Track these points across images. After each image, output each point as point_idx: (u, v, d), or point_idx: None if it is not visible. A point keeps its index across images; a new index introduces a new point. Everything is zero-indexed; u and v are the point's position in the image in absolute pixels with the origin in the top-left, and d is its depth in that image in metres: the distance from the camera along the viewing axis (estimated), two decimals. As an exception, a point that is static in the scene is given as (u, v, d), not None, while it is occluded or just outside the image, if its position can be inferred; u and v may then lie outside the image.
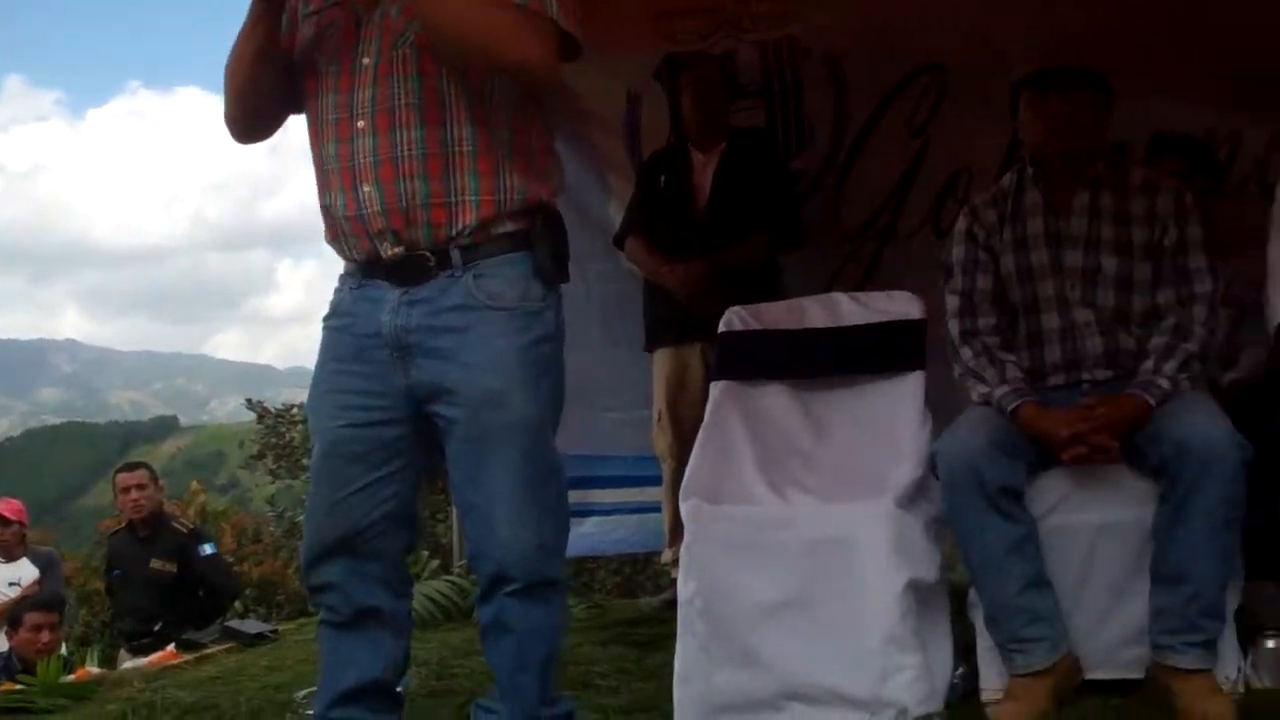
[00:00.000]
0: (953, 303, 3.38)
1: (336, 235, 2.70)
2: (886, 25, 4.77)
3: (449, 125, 2.59)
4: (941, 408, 3.45)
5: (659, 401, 4.80)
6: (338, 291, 2.76)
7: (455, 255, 2.61)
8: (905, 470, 3.26)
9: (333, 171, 2.65)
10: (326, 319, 2.76)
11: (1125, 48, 4.15)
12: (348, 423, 2.67)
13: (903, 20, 4.76)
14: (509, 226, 2.63)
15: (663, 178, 4.82)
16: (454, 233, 2.60)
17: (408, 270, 2.63)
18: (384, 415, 2.67)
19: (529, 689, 2.67)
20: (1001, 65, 3.49)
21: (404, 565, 2.81)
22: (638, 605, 5.68)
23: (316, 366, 2.77)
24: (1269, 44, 4.32)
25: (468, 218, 2.59)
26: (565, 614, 2.82)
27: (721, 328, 3.73)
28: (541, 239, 2.65)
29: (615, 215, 5.07)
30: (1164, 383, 3.10)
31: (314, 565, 2.73)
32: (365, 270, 2.68)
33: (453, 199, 2.59)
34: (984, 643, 3.21)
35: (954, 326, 3.36)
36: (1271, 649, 3.11)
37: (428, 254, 2.61)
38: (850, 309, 3.67)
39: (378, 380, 2.66)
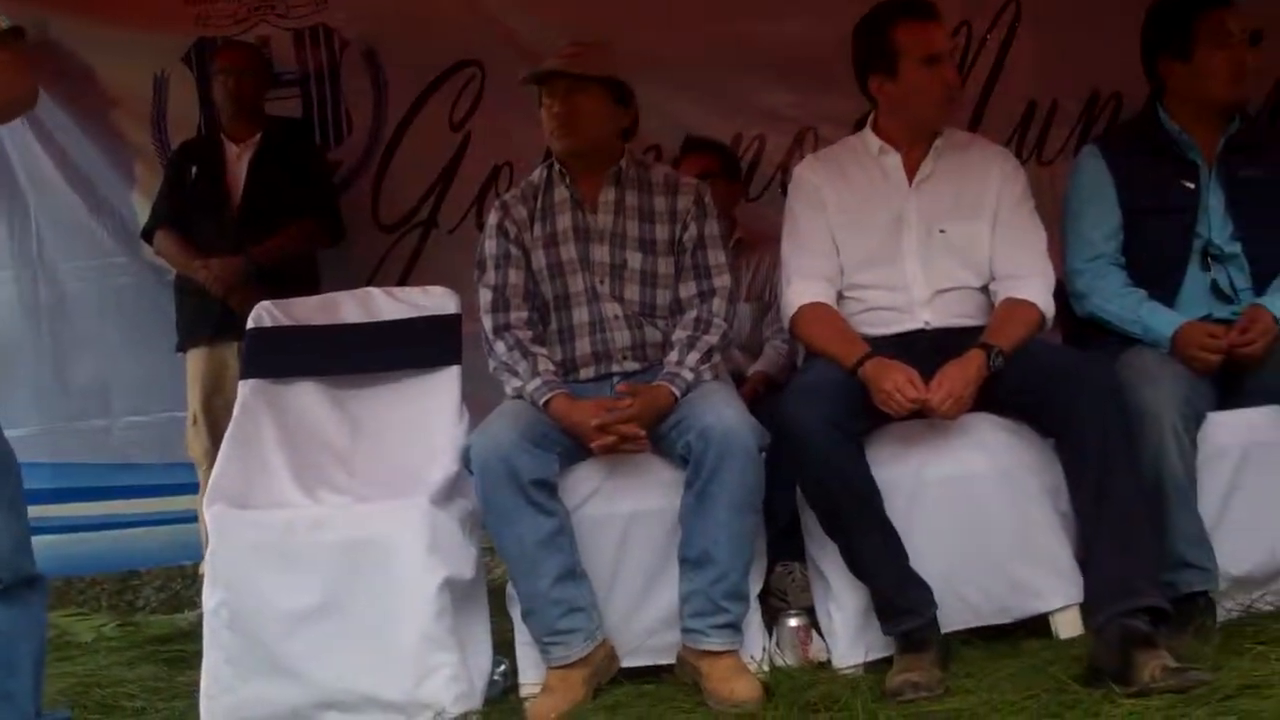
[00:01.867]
0: (486, 297, 3.38)
1: None
2: (423, 18, 4.71)
3: None
4: (478, 402, 3.44)
5: (193, 404, 4.58)
6: None
7: None
8: (440, 466, 3.24)
9: None
10: None
11: (653, 52, 4.30)
12: None
13: (439, 14, 4.72)
14: None
15: (194, 169, 4.62)
16: None
17: None
18: None
19: (22, 694, 2.53)
20: (534, 64, 3.52)
21: None
22: (174, 621, 5.40)
23: None
24: (791, 53, 4.57)
25: None
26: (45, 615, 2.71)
27: (250, 324, 3.59)
28: None
29: (140, 207, 4.79)
30: (687, 374, 3.21)
31: None
32: None
33: None
34: (522, 637, 3.21)
35: (487, 321, 3.36)
36: (793, 628, 3.23)
37: None
38: (385, 304, 3.63)
39: None
